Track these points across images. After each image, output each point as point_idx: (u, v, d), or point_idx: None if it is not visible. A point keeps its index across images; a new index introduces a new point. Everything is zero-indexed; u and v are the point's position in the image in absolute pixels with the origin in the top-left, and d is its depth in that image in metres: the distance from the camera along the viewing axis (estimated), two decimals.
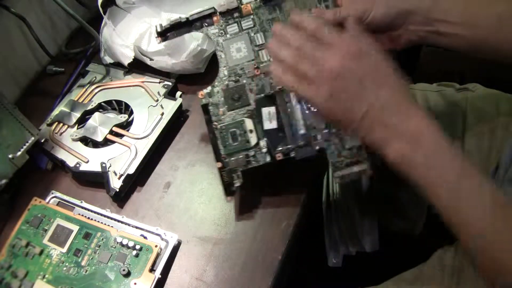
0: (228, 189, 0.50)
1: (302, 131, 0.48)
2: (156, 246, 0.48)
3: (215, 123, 0.50)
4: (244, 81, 0.50)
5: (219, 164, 0.49)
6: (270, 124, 0.49)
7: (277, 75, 0.44)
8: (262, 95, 0.49)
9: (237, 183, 0.49)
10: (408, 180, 0.40)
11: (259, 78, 0.50)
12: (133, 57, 0.64)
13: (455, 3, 0.47)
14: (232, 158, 0.49)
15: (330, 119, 0.44)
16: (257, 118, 0.49)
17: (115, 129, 0.59)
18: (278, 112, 0.49)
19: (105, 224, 0.51)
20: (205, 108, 0.50)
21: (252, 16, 0.50)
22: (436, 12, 0.46)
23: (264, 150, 0.49)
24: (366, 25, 0.46)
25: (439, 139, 0.39)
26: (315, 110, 0.47)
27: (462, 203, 0.37)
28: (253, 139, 0.49)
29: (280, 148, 0.48)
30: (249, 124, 0.49)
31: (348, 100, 0.41)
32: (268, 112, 0.49)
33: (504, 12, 0.46)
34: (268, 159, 0.49)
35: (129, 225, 0.51)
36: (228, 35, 0.51)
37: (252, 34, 0.50)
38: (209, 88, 0.51)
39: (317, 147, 0.47)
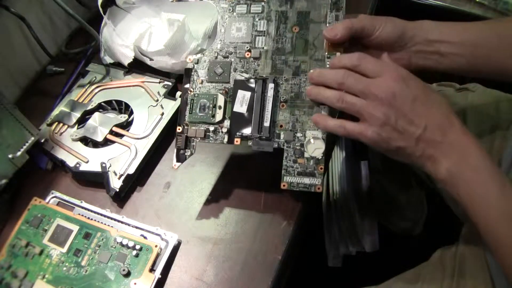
0: (178, 155, 0.50)
1: (266, 124, 0.47)
2: (156, 246, 0.48)
3: (191, 88, 0.51)
4: (232, 60, 0.50)
5: (179, 129, 0.50)
6: (240, 107, 0.49)
7: (321, 122, 0.45)
8: (243, 77, 0.49)
9: (188, 153, 0.50)
10: (454, 197, 0.41)
11: (247, 61, 0.50)
12: (133, 57, 0.64)
13: (454, 26, 0.48)
14: (193, 127, 0.50)
15: (383, 150, 0.43)
16: (230, 97, 0.49)
17: (115, 129, 0.59)
18: (252, 99, 0.48)
19: (105, 224, 0.51)
20: (187, 72, 0.51)
21: (263, 3, 0.51)
22: (436, 34, 0.47)
23: (225, 130, 0.49)
24: (372, 41, 0.47)
25: (483, 156, 0.40)
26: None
27: (501, 221, 0.38)
28: (218, 116, 0.49)
29: (240, 133, 0.48)
30: (221, 100, 0.49)
31: (403, 125, 0.41)
32: (243, 95, 0.49)
33: (504, 31, 0.47)
34: (225, 140, 0.49)
35: (129, 225, 0.51)
36: (234, 13, 0.52)
37: (257, 20, 0.51)
38: (198, 55, 0.52)
39: (275, 145, 0.47)
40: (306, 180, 0.46)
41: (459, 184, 0.40)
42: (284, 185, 0.47)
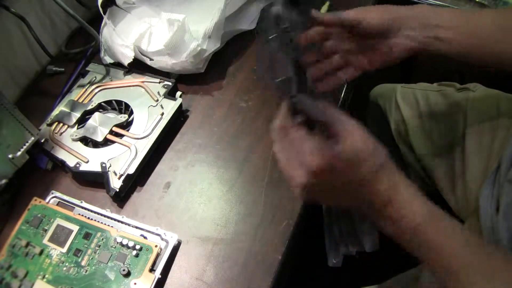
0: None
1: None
2: (156, 246, 0.48)
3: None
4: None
5: None
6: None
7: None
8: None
9: None
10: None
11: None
12: (133, 57, 0.64)
13: (453, 12, 0.48)
14: None
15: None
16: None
17: (115, 129, 0.59)
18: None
19: (105, 224, 0.51)
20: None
21: None
22: (435, 19, 0.46)
23: None
24: (363, 31, 0.46)
25: (409, 186, 0.37)
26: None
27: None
28: None
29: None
30: None
31: (323, 198, 0.40)
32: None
33: (503, 21, 0.47)
34: None
35: (129, 225, 0.51)
36: None
37: None
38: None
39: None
40: None
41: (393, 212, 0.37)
42: None
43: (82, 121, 0.61)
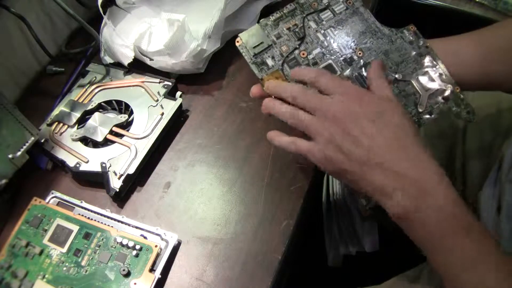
0: None
1: None
2: (156, 246, 0.48)
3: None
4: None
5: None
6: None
7: (277, 139, 0.44)
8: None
9: None
10: (410, 237, 0.36)
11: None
12: (133, 57, 0.64)
13: (444, 45, 0.48)
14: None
15: (330, 171, 0.40)
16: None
17: (115, 129, 0.59)
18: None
19: (105, 224, 0.51)
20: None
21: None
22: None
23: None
24: None
25: (446, 191, 0.35)
26: None
27: (464, 268, 0.34)
28: None
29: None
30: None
31: (348, 145, 0.37)
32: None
33: (485, 39, 0.47)
34: None
35: (129, 225, 0.51)
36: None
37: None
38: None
39: None
40: None
41: (413, 225, 0.35)
42: None
43: (82, 121, 0.61)
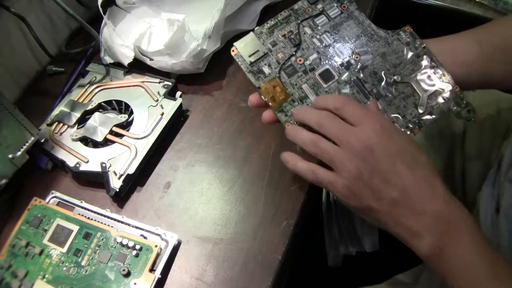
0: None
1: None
2: (156, 246, 0.48)
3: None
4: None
5: None
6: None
7: (292, 163, 0.42)
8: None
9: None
10: (439, 275, 0.36)
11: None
12: (133, 57, 0.64)
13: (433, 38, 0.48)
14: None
15: (352, 206, 0.39)
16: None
17: (115, 129, 0.59)
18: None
19: (105, 224, 0.51)
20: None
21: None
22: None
23: None
24: None
25: (471, 230, 0.35)
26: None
27: None
28: None
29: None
30: None
31: (378, 183, 0.36)
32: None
33: (482, 37, 0.47)
34: None
35: (129, 225, 0.51)
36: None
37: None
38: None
39: None
40: None
41: (444, 262, 0.35)
42: None
43: (82, 121, 0.61)
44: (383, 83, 0.47)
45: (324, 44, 0.48)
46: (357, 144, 0.37)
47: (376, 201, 0.36)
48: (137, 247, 0.48)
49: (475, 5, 0.75)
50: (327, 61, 0.47)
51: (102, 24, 0.68)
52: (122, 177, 0.54)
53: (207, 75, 0.67)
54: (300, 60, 0.47)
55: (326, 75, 0.47)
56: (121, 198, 0.55)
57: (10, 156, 0.54)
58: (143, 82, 0.64)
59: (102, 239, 0.50)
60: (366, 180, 0.36)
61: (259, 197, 0.54)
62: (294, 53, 0.47)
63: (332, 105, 0.41)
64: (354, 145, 0.37)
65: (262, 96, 0.46)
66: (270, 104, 0.45)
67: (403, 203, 0.36)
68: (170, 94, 0.62)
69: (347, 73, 0.47)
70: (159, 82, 0.64)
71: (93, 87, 0.65)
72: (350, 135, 0.37)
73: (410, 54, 0.48)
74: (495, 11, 0.74)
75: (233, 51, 0.47)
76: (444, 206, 0.36)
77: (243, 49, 0.47)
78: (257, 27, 0.48)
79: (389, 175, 0.36)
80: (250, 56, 0.47)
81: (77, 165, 0.56)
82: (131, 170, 0.55)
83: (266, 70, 0.46)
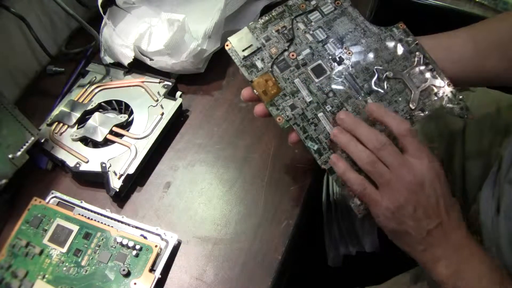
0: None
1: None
2: (156, 246, 0.48)
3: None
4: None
5: None
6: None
7: (341, 170, 0.43)
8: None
9: None
10: None
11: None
12: (133, 57, 0.64)
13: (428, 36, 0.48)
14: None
15: (388, 228, 0.42)
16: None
17: (115, 129, 0.59)
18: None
19: (105, 224, 0.51)
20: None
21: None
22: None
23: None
24: None
25: (484, 261, 0.40)
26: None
27: None
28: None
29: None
30: None
31: (420, 215, 0.40)
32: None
33: (478, 34, 0.47)
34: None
35: (129, 225, 0.51)
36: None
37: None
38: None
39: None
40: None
41: (460, 281, 0.40)
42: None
43: (82, 121, 0.61)
44: (374, 79, 0.47)
45: (317, 40, 0.48)
46: (411, 177, 0.40)
47: (414, 228, 0.40)
48: (137, 247, 0.48)
49: (475, 5, 0.75)
50: (319, 57, 0.47)
51: (102, 24, 0.68)
52: (122, 177, 0.54)
53: (207, 75, 0.67)
54: (292, 55, 0.47)
55: (318, 70, 0.47)
56: (121, 198, 0.55)
57: (10, 156, 0.54)
58: (143, 82, 0.64)
59: (102, 239, 0.50)
60: (411, 212, 0.40)
61: (259, 197, 0.54)
62: (287, 48, 0.47)
63: (396, 130, 0.42)
64: (408, 176, 0.40)
65: (254, 90, 0.46)
66: (262, 97, 0.45)
67: (436, 235, 0.40)
68: (170, 94, 0.62)
69: (339, 68, 0.47)
70: (159, 82, 0.64)
71: (93, 87, 0.65)
72: (406, 165, 0.41)
73: (402, 50, 0.48)
74: (495, 11, 0.74)
75: (227, 45, 0.47)
76: (463, 240, 0.41)
77: (237, 43, 0.47)
78: (252, 22, 0.48)
79: (431, 211, 0.40)
80: (243, 50, 0.47)
81: (77, 165, 0.56)
82: (131, 170, 0.55)
83: (259, 64, 0.47)
